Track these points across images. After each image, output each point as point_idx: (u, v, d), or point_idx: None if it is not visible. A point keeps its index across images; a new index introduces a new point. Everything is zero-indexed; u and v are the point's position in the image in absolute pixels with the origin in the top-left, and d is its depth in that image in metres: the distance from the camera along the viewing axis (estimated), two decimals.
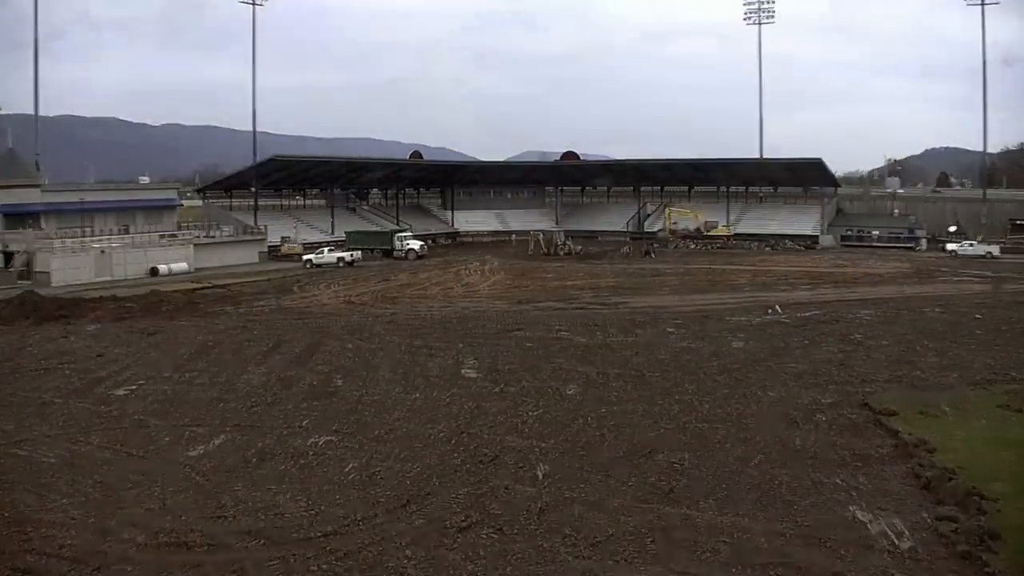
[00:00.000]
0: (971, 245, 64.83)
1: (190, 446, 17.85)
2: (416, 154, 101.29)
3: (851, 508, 14.06)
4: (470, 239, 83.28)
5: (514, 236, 79.00)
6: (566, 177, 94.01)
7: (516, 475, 15.79)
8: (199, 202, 78.32)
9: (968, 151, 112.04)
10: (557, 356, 26.40)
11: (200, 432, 18.75)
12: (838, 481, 15.33)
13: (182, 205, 75.93)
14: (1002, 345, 27.78)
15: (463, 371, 24.49)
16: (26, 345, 29.56)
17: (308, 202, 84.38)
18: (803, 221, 77.61)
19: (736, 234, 76.02)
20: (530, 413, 19.89)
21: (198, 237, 61.14)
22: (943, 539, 12.74)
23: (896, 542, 12.72)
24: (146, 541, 13.06)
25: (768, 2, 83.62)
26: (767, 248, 71.86)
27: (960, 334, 29.85)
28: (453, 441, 17.81)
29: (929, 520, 13.47)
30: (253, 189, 72.27)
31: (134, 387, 22.95)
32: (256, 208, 71.98)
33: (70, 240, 52.00)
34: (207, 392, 22.39)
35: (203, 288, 45.99)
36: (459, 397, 21.37)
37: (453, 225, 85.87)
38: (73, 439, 18.41)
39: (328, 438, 18.16)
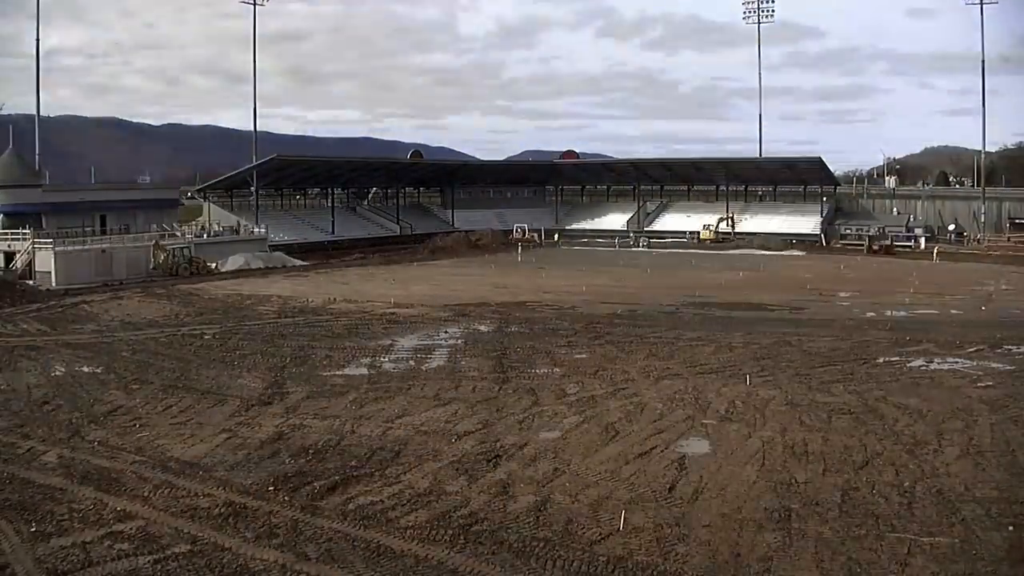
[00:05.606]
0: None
1: None
2: (416, 154, 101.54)
3: None
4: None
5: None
6: (566, 176, 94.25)
7: None
8: (200, 201, 78.37)
9: (967, 149, 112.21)
10: None
11: None
12: None
13: (183, 204, 76.02)
14: None
15: None
16: None
17: (308, 202, 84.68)
18: (803, 220, 77.75)
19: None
20: None
21: (198, 236, 61.20)
22: None
23: None
24: None
25: (767, 1, 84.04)
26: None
27: None
28: None
29: None
30: (253, 189, 72.37)
31: None
32: (257, 208, 72.09)
33: (70, 240, 52.05)
34: None
35: None
36: None
37: (453, 224, 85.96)
38: None
39: None
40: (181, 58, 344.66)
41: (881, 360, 25.96)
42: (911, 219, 76.11)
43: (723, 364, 25.48)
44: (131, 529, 13.70)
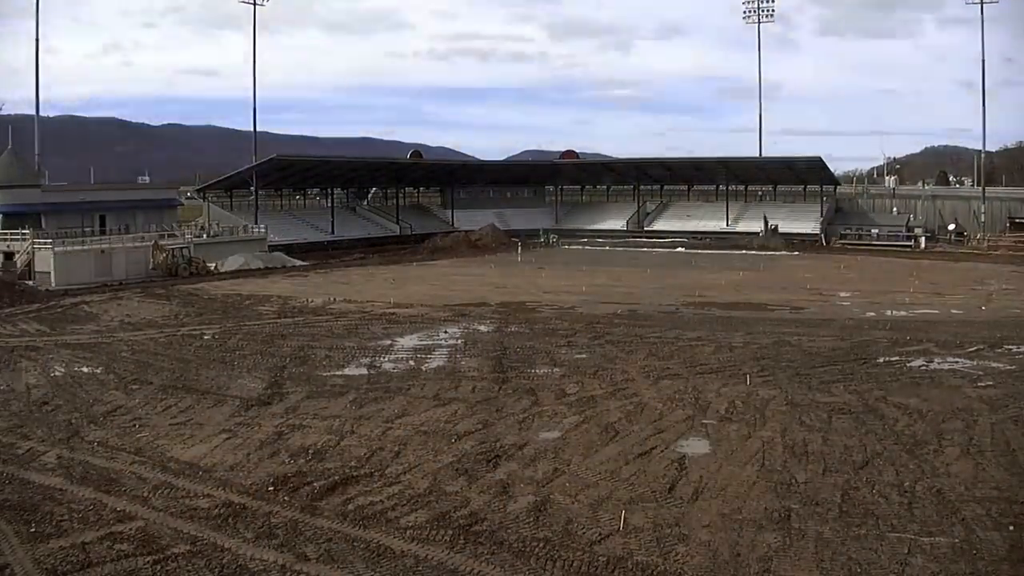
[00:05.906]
0: None
1: None
2: (416, 154, 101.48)
3: None
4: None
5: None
6: (566, 176, 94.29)
7: None
8: (200, 202, 78.38)
9: (967, 149, 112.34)
10: None
11: None
12: None
13: (183, 205, 76.03)
14: None
15: None
16: None
17: (308, 202, 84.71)
18: (803, 220, 77.73)
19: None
20: None
21: (198, 236, 61.18)
22: None
23: None
24: None
25: (767, 0, 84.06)
26: None
27: None
28: None
29: None
30: (253, 189, 72.40)
31: None
32: (256, 208, 72.09)
33: (70, 240, 52.06)
34: None
35: None
36: None
37: (453, 224, 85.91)
38: None
39: None
40: (181, 57, 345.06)
41: (881, 360, 25.95)
42: (911, 219, 76.09)
43: (723, 364, 25.48)
44: (131, 529, 13.69)
